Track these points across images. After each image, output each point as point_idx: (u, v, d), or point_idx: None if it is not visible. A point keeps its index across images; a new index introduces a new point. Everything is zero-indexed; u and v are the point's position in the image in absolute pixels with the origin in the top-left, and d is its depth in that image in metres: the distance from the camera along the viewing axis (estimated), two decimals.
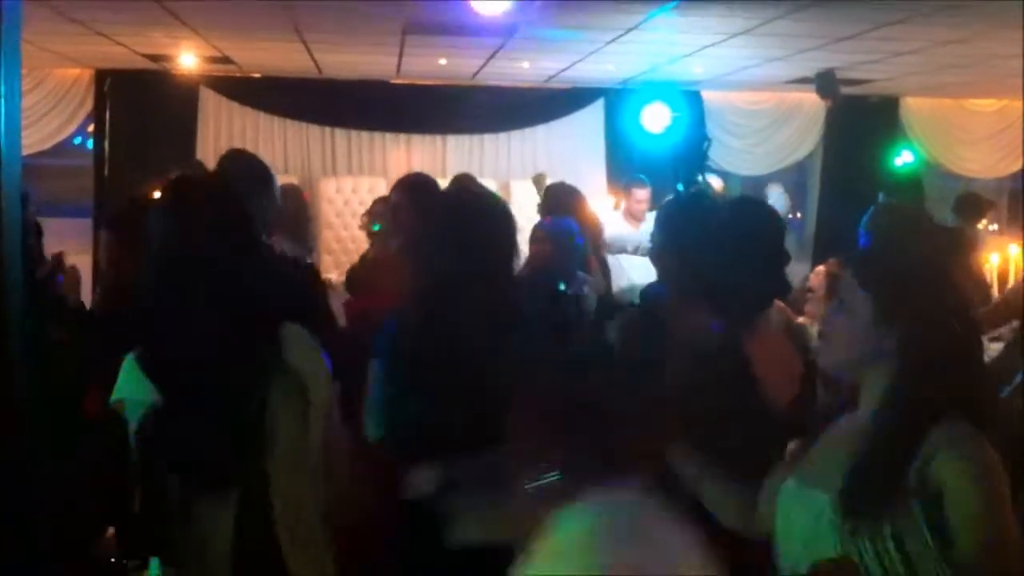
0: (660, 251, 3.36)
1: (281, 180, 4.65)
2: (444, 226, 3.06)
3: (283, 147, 10.77)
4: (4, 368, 2.09)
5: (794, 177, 12.10)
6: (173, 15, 7.44)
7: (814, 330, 3.44)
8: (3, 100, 2.10)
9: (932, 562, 1.97)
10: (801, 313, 8.49)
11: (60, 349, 3.34)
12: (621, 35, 7.91)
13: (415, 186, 4.37)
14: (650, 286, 3.57)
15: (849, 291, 2.15)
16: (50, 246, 4.98)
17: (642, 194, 8.42)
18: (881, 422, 2.06)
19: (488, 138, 11.19)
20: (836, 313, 2.18)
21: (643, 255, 5.63)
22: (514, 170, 10.94)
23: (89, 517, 2.75)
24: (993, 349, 3.76)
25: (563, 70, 9.90)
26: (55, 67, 10.23)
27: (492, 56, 9.10)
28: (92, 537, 2.67)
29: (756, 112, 11.33)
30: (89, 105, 10.50)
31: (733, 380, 2.70)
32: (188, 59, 9.68)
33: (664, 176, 9.38)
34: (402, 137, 11.13)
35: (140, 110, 10.37)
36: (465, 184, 3.48)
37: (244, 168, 3.85)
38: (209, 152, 10.65)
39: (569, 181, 10.29)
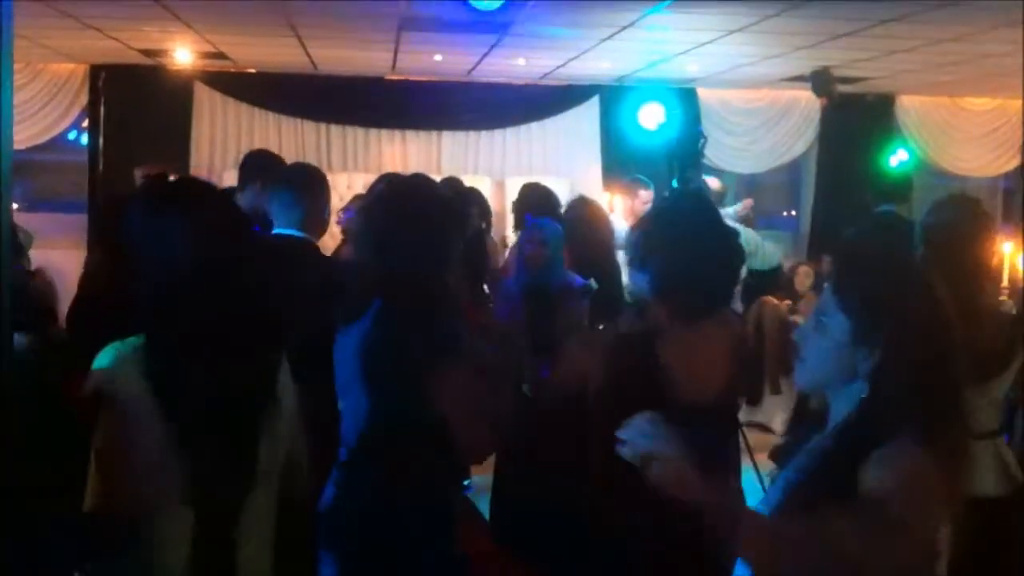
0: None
1: None
2: (372, 228, 3.03)
3: (278, 143, 10.72)
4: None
5: (789, 175, 12.12)
6: (167, 10, 7.43)
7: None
8: None
9: None
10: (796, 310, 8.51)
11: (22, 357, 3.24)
12: (617, 32, 7.92)
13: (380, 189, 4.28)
14: None
15: (828, 310, 2.11)
16: (45, 241, 4.99)
17: (647, 195, 8.42)
18: (835, 443, 2.05)
19: (483, 135, 11.19)
20: (812, 331, 2.14)
21: None
22: (509, 167, 10.94)
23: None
24: None
25: (559, 67, 9.90)
26: (49, 62, 10.22)
27: (488, 53, 9.10)
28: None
29: (751, 110, 11.34)
30: (83, 100, 10.48)
31: (642, 374, 2.74)
32: (183, 54, 9.67)
33: (659, 174, 9.38)
34: (397, 133, 11.13)
35: (134, 105, 10.35)
36: (400, 182, 3.35)
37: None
38: (203, 148, 10.67)
39: (564, 178, 10.43)
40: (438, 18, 7.46)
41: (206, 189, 2.57)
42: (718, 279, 2.89)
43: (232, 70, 10.62)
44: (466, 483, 5.55)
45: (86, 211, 10.23)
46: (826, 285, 2.17)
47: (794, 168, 11.95)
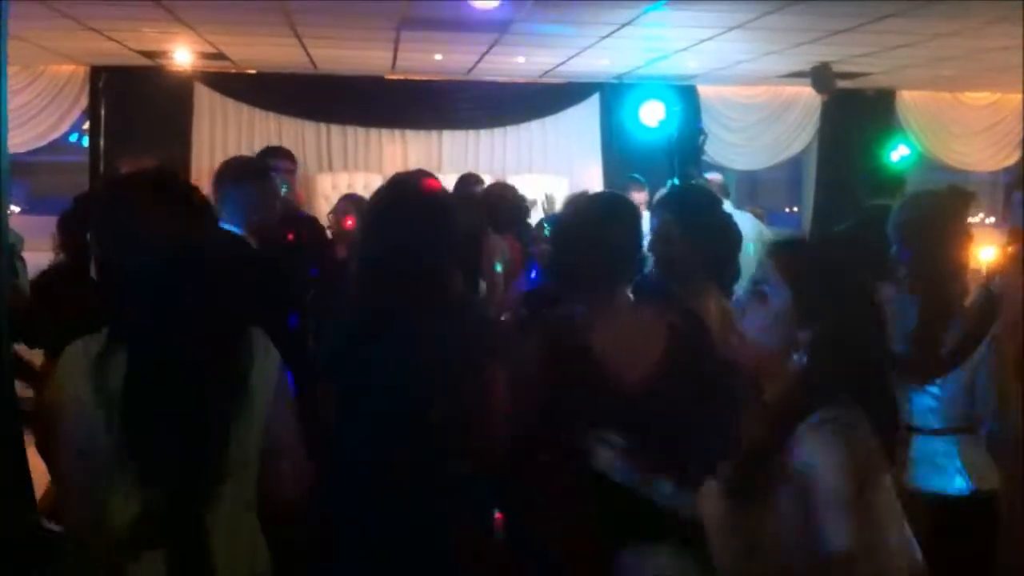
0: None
1: None
2: (368, 231, 3.03)
3: (278, 143, 10.71)
4: None
5: (790, 172, 12.11)
6: (167, 11, 7.43)
7: None
8: None
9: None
10: None
11: None
12: (616, 30, 7.91)
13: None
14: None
15: (768, 280, 2.15)
16: (45, 243, 4.97)
17: (640, 196, 8.41)
18: (773, 410, 2.11)
19: (484, 133, 11.19)
20: (750, 299, 2.18)
21: None
22: (509, 166, 10.94)
23: None
24: None
25: (559, 65, 9.90)
26: (49, 64, 10.21)
27: (487, 51, 9.10)
28: None
29: (751, 106, 11.33)
30: (84, 102, 10.47)
31: (572, 355, 2.79)
32: (182, 55, 9.67)
33: (659, 171, 9.37)
34: (398, 133, 11.12)
35: (135, 106, 10.35)
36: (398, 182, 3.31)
37: None
38: (204, 148, 10.67)
39: (565, 177, 10.43)
40: (437, 17, 7.47)
41: (167, 180, 2.55)
42: (605, 266, 2.89)
43: (232, 71, 10.62)
44: None
45: None
46: (767, 259, 2.19)
47: (795, 164, 11.95)
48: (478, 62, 9.76)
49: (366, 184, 10.10)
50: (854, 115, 11.03)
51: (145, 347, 2.20)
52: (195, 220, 2.47)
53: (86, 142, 10.75)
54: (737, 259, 3.64)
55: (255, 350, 2.38)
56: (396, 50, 9.16)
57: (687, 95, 10.83)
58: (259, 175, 4.32)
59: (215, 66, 10.36)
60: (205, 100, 10.76)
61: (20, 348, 3.89)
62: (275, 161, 5.21)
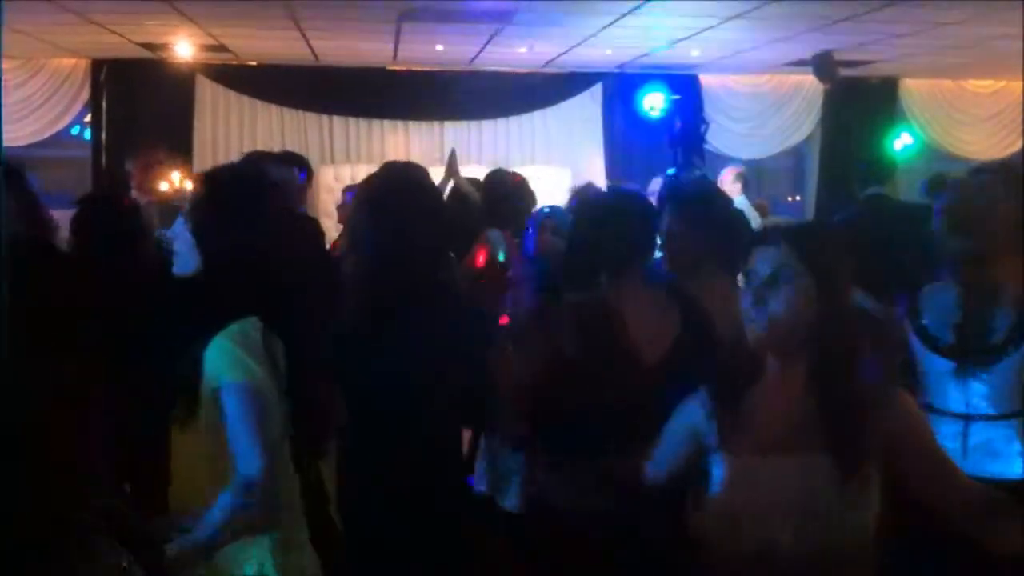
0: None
1: None
2: (361, 222, 3.08)
3: (280, 135, 10.74)
4: None
5: (793, 161, 12.10)
6: (168, 3, 7.42)
7: None
8: None
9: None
10: None
11: None
12: (618, 19, 7.89)
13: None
14: None
15: (787, 267, 2.17)
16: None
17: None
18: (835, 392, 2.17)
19: (486, 124, 11.18)
20: (770, 289, 2.19)
21: None
22: (512, 156, 10.91)
23: None
24: None
25: (561, 55, 9.88)
26: (51, 57, 10.21)
27: (489, 42, 9.08)
28: None
29: (754, 95, 11.31)
30: (85, 95, 10.47)
31: (598, 331, 2.90)
32: (184, 48, 9.66)
33: (662, 161, 9.38)
34: (400, 124, 11.12)
35: (136, 99, 10.35)
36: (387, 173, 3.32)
37: None
38: (206, 141, 10.66)
39: (567, 167, 10.42)
40: (439, 7, 7.45)
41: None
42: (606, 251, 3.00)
43: (234, 63, 10.61)
44: None
45: None
46: (775, 248, 2.22)
47: (798, 153, 11.93)
48: (480, 52, 9.75)
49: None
50: (857, 104, 11.01)
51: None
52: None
53: (88, 136, 10.75)
54: (742, 249, 3.65)
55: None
56: (397, 41, 9.14)
57: (689, 85, 10.83)
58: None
59: (217, 58, 10.35)
60: (207, 92, 10.76)
61: None
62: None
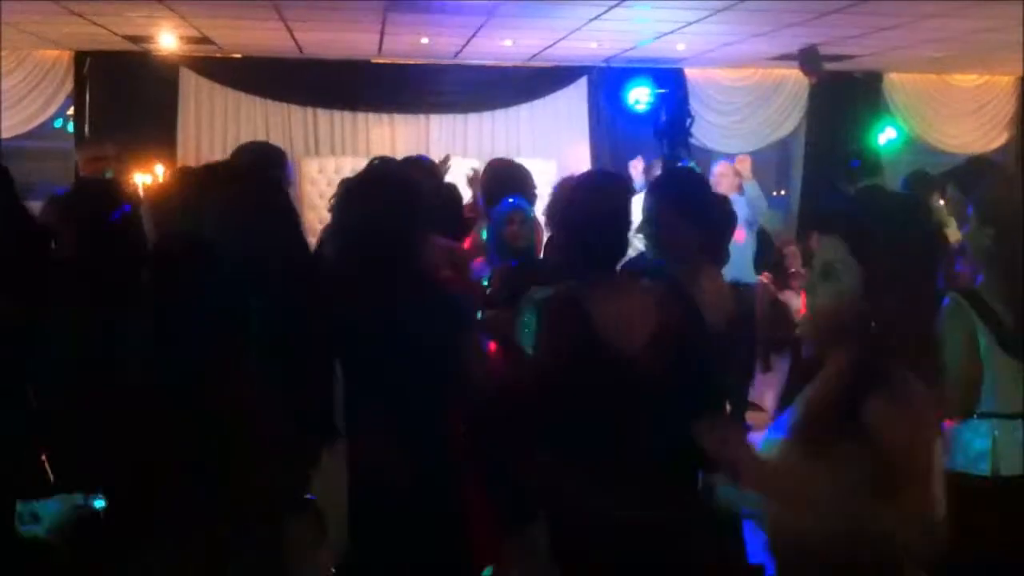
0: None
1: None
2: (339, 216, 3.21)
3: (264, 127, 10.69)
4: None
5: (778, 155, 12.11)
6: None
7: (799, 302, 3.51)
8: None
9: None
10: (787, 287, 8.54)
11: None
12: (604, 12, 7.88)
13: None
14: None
15: (838, 259, 2.23)
16: None
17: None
18: (839, 382, 2.23)
19: (471, 117, 11.16)
20: (820, 279, 2.26)
21: None
22: (498, 149, 10.89)
23: None
24: None
25: (546, 48, 9.86)
26: (34, 48, 10.15)
27: (474, 34, 9.06)
28: None
29: (739, 89, 11.32)
30: (69, 87, 10.42)
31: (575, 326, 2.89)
32: (168, 40, 9.61)
33: (647, 154, 9.38)
34: (385, 117, 11.09)
35: (120, 92, 10.30)
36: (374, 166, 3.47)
37: None
38: (190, 133, 10.62)
39: (553, 160, 10.41)
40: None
41: None
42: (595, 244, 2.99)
43: (218, 55, 10.57)
44: None
45: None
46: (828, 239, 2.28)
47: (783, 147, 11.94)
48: (465, 45, 9.73)
49: (353, 168, 9.86)
50: (842, 97, 11.01)
51: None
52: None
53: (71, 128, 10.69)
54: (729, 238, 3.72)
55: None
56: (382, 33, 9.11)
57: (675, 78, 10.84)
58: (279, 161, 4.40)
59: (201, 51, 10.31)
60: (191, 85, 10.71)
61: None
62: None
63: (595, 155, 10.99)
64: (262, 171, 3.83)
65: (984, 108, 11.69)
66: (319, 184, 10.53)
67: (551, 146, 11.00)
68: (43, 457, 2.61)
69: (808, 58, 9.43)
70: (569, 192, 3.19)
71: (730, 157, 8.80)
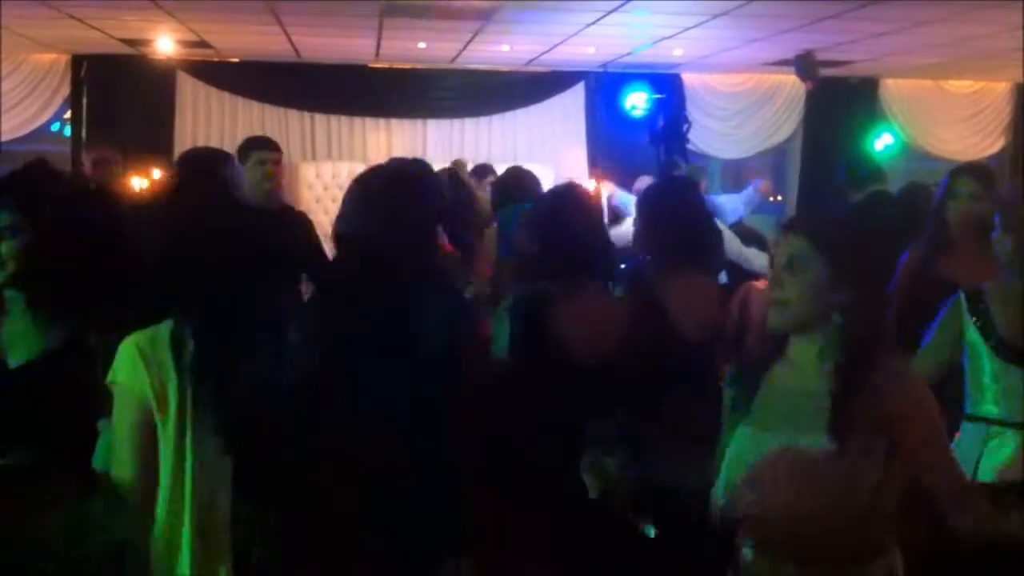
0: None
1: None
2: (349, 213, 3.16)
3: (261, 132, 10.65)
4: None
5: (774, 160, 12.12)
6: None
7: None
8: None
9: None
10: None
11: None
12: (601, 17, 7.89)
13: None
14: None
15: (802, 255, 2.30)
16: None
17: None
18: (844, 372, 2.27)
19: (468, 122, 11.18)
20: (785, 272, 2.31)
21: None
22: (495, 154, 10.91)
23: None
24: None
25: (543, 53, 9.88)
26: (31, 52, 10.15)
27: (471, 39, 9.07)
28: None
29: (736, 94, 11.34)
30: (66, 91, 10.43)
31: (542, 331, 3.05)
32: (165, 43, 9.61)
33: (644, 159, 9.40)
34: (382, 121, 11.11)
35: (117, 95, 10.30)
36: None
37: None
38: (187, 137, 10.62)
39: (549, 165, 10.42)
40: (420, 3, 7.44)
41: None
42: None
43: (215, 59, 10.57)
44: None
45: None
46: (791, 236, 2.34)
47: (779, 153, 11.96)
48: (462, 50, 9.74)
49: (350, 173, 9.96)
50: (838, 103, 11.05)
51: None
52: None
53: (68, 132, 10.69)
54: (721, 245, 3.80)
55: None
56: (379, 38, 9.12)
57: (672, 83, 10.86)
58: (224, 162, 4.26)
59: (198, 54, 10.31)
60: (188, 88, 10.72)
61: None
62: (256, 152, 5.12)
63: (592, 160, 11.00)
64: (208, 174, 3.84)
65: (980, 114, 11.72)
66: (315, 188, 10.55)
67: (548, 151, 11.02)
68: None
69: (804, 64, 9.45)
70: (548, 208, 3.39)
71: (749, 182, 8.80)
